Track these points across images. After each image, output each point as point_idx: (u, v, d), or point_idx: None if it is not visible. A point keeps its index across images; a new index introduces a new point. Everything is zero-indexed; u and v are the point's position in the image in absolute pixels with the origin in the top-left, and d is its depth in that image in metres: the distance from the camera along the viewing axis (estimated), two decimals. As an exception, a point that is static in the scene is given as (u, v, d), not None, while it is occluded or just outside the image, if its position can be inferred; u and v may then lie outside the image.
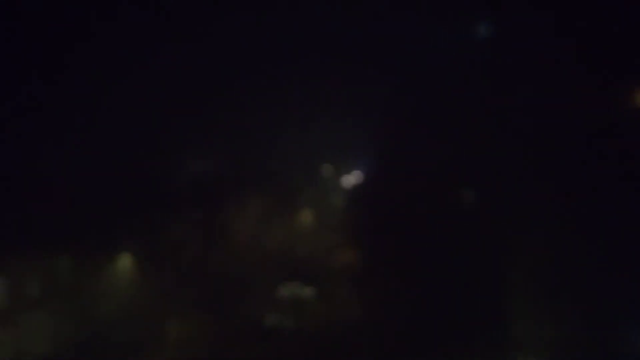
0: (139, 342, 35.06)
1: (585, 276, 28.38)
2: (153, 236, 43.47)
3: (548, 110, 29.58)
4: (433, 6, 39.66)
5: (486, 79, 32.76)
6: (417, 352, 31.57)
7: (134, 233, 42.55)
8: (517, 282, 30.11)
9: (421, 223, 35.16)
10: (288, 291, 43.38)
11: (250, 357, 36.08)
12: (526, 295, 29.89)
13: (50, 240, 36.82)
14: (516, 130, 30.49)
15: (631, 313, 28.19)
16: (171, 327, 34.60)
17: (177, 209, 52.45)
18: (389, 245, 37.07)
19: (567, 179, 28.90)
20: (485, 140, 32.57)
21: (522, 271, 30.01)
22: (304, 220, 73.30)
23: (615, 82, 28.43)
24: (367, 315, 38.47)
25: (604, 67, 28.15)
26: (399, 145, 42.57)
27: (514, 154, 30.49)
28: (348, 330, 38.62)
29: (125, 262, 41.43)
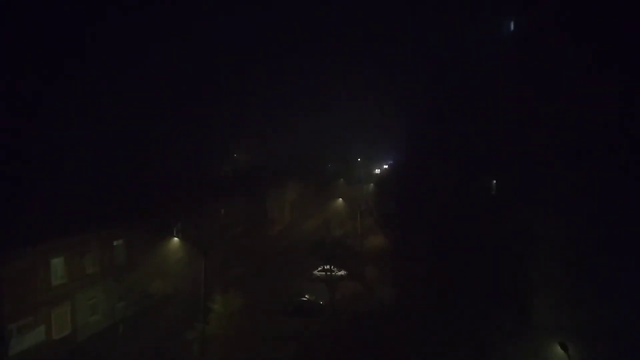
0: (187, 316, 37.07)
1: (607, 261, 28.51)
2: (200, 220, 45.03)
3: (575, 105, 29.39)
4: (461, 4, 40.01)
5: (514, 74, 32.94)
6: (444, 331, 32.32)
7: (182, 218, 44.42)
8: (541, 267, 30.36)
9: (449, 211, 35.88)
10: (323, 271, 44.99)
11: (286, 332, 37.21)
12: (550, 279, 29.98)
13: (107, 224, 38.91)
14: (542, 122, 30.42)
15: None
16: (215, 303, 35.64)
17: (221, 197, 54.73)
18: (418, 230, 38.12)
19: (591, 168, 28.78)
20: (512, 132, 32.93)
21: (546, 257, 30.13)
22: (338, 207, 75.15)
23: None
24: (397, 296, 39.78)
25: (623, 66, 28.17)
26: (428, 136, 43.30)
27: (539, 145, 30.58)
28: (379, 309, 40.09)
29: (175, 244, 42.82)
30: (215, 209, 53.60)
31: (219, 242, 43.31)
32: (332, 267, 44.10)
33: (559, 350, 21.39)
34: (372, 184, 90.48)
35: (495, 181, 36.22)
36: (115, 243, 40.20)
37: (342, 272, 45.83)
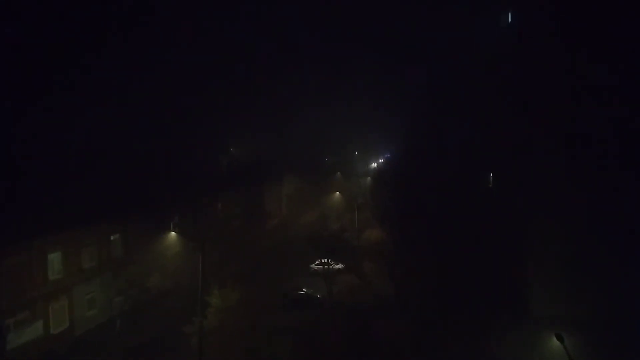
0: (185, 310, 37.01)
1: (604, 253, 28.84)
2: (198, 214, 44.94)
3: (572, 100, 29.41)
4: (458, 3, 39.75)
5: (511, 68, 32.91)
6: (440, 326, 32.54)
7: (179, 212, 44.36)
8: (537, 259, 30.58)
9: (446, 204, 36.01)
10: (320, 265, 45.14)
11: (284, 325, 37.17)
12: (546, 271, 30.18)
13: (104, 218, 38.83)
14: (539, 115, 30.42)
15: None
16: (213, 297, 35.65)
17: (219, 191, 54.63)
18: (415, 223, 38.18)
19: (588, 160, 29.01)
20: (509, 125, 32.99)
21: (543, 249, 30.33)
22: (335, 201, 75.16)
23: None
24: (394, 289, 39.94)
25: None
26: (425, 130, 43.43)
27: (536, 139, 30.55)
28: (376, 302, 40.26)
29: (172, 239, 42.76)
30: (213, 203, 53.62)
31: (216, 236, 43.31)
32: (329, 260, 44.28)
33: (555, 341, 21.46)
34: (369, 178, 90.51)
35: (492, 174, 36.36)
36: (112, 237, 40.20)
37: (340, 266, 46.00)
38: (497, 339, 29.76)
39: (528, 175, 30.94)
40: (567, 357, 20.27)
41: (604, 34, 28.30)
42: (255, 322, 37.17)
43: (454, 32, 40.69)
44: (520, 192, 31.72)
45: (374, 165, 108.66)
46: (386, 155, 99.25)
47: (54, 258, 34.77)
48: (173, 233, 42.97)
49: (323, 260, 44.61)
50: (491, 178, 36.39)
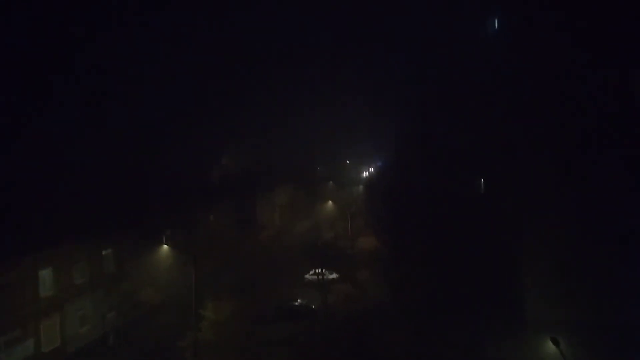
0: (178, 323, 36.74)
1: (598, 258, 28.86)
2: (190, 227, 44.67)
3: (561, 102, 29.51)
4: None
5: (500, 71, 33.09)
6: (436, 330, 32.48)
7: (171, 225, 44.11)
8: (532, 264, 30.55)
9: (438, 210, 36.02)
10: (315, 275, 44.94)
11: (278, 337, 36.78)
12: (541, 276, 30.19)
13: (95, 233, 38.50)
14: (530, 119, 30.54)
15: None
16: (207, 310, 35.35)
17: (210, 203, 54.40)
18: (408, 230, 38.19)
19: (580, 163, 29.02)
20: (500, 130, 33.11)
21: (537, 254, 30.31)
22: (328, 210, 75.08)
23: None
24: (389, 297, 39.83)
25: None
26: (415, 137, 43.51)
27: (527, 143, 30.66)
28: (372, 311, 40.09)
29: (164, 252, 42.56)
30: (205, 216, 53.43)
31: (209, 249, 43.13)
32: (323, 270, 44.14)
33: (550, 345, 21.50)
34: (361, 186, 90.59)
35: (483, 179, 36.46)
36: (104, 252, 39.69)
37: (334, 275, 45.92)
38: (492, 344, 29.71)
39: (520, 180, 30.97)
40: (562, 360, 20.34)
41: (593, 32, 28.40)
42: (250, 333, 36.91)
43: (443, 36, 40.91)
44: (513, 196, 31.73)
45: (366, 173, 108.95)
46: (378, 164, 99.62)
47: (45, 274, 34.33)
48: (165, 246, 42.78)
49: (317, 270, 44.44)
50: (483, 183, 36.49)
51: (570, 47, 28.84)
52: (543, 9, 30.04)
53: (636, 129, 27.74)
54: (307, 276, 48.69)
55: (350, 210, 67.85)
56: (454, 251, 33.43)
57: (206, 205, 53.58)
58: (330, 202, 78.49)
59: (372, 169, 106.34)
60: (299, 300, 43.61)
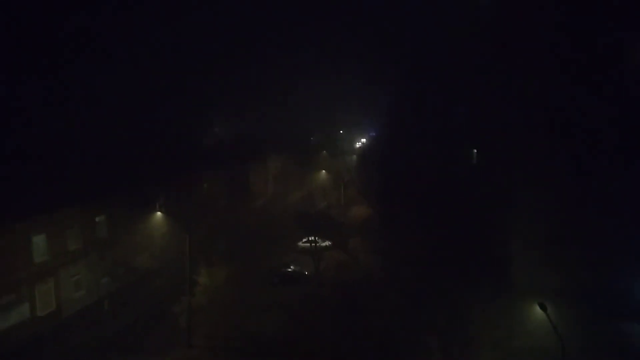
0: (173, 289, 37.11)
1: (587, 225, 29.39)
2: (184, 194, 44.42)
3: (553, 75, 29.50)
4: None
5: (493, 44, 32.84)
6: (426, 298, 33.25)
7: (165, 192, 43.91)
8: (521, 232, 31.12)
9: (430, 179, 36.27)
10: (308, 242, 45.27)
11: (272, 302, 37.47)
12: (530, 243, 30.75)
13: (89, 200, 38.45)
14: (520, 92, 30.57)
15: (632, 260, 28.89)
16: (201, 276, 35.66)
17: (204, 171, 54.23)
18: (400, 199, 38.49)
19: (572, 134, 29.14)
20: (492, 102, 33.05)
21: (526, 222, 30.87)
22: (321, 179, 75.14)
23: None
24: (380, 264, 40.42)
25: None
26: (409, 107, 43.36)
27: (518, 115, 30.82)
28: (363, 277, 40.69)
29: (158, 219, 42.52)
30: (198, 183, 53.28)
31: (202, 216, 43.08)
32: (316, 238, 44.47)
33: (538, 310, 22.01)
34: (354, 156, 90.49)
35: (475, 150, 36.56)
36: (97, 219, 39.54)
37: (327, 243, 46.25)
38: (481, 308, 30.37)
39: (511, 150, 31.23)
40: (549, 324, 20.87)
41: (595, 9, 28.19)
42: (243, 299, 37.43)
43: (437, 7, 40.42)
44: (504, 166, 32.01)
45: (360, 143, 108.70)
46: (371, 134, 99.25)
47: (39, 240, 34.38)
48: (159, 213, 42.66)
49: (310, 238, 44.73)
50: (475, 154, 36.62)
51: (565, 20, 28.61)
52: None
53: (627, 97, 27.76)
54: (300, 243, 49.05)
55: (344, 179, 68.01)
56: (444, 218, 34.01)
57: (200, 173, 53.41)
58: (323, 171, 78.53)
59: (365, 140, 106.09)
60: (292, 267, 44.14)
